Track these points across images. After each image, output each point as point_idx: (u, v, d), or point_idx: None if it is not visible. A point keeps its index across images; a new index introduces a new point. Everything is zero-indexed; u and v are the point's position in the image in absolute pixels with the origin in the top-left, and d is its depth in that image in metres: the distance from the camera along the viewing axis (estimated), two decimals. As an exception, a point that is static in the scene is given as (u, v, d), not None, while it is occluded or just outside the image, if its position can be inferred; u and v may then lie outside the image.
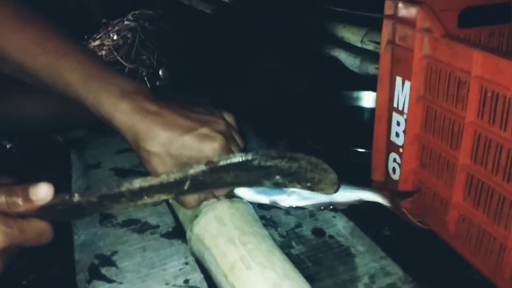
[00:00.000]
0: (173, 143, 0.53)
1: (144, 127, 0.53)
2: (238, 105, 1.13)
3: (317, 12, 1.76)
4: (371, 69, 1.47)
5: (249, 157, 0.49)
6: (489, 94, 0.54)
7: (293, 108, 1.06)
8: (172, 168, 0.53)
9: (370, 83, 1.38)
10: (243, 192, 0.60)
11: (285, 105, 1.14)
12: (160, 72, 1.36)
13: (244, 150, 0.59)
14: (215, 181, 0.49)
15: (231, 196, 0.58)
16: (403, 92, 0.68)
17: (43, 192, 0.45)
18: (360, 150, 0.83)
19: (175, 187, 0.49)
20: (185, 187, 0.49)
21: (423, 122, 0.66)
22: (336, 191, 0.57)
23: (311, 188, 0.52)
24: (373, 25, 1.58)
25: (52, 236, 0.47)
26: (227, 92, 1.29)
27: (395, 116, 0.71)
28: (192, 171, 0.49)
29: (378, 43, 1.49)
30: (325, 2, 1.76)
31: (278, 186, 0.51)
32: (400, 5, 0.65)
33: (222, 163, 0.49)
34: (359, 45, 1.57)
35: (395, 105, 0.70)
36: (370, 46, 1.54)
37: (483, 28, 0.73)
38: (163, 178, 0.49)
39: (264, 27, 1.80)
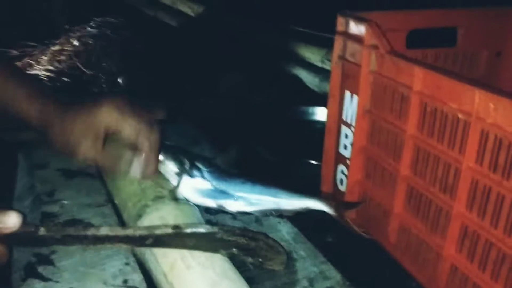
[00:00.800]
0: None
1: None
2: (196, 114, 1.14)
3: (280, 31, 1.80)
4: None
5: (215, 230, 0.51)
6: (428, 109, 0.57)
7: (250, 119, 1.08)
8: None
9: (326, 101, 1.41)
10: (189, 194, 0.60)
11: (242, 117, 1.15)
12: (119, 80, 1.34)
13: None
14: (176, 243, 0.51)
15: (176, 197, 0.58)
16: (351, 106, 0.70)
17: (11, 222, 0.46)
18: (312, 162, 0.85)
19: (138, 241, 0.50)
20: (147, 242, 0.50)
21: (369, 134, 0.68)
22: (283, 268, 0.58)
23: (261, 263, 0.53)
24: (333, 46, 1.63)
25: (6, 259, 0.46)
26: (189, 102, 1.30)
27: (344, 129, 0.73)
28: (158, 231, 0.50)
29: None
30: (288, 22, 1.81)
31: (233, 256, 0.53)
32: (351, 22, 0.68)
33: (188, 230, 0.50)
34: (319, 64, 1.61)
35: (344, 117, 0.73)
36: (329, 66, 1.59)
37: (429, 50, 0.76)
38: (129, 232, 0.50)
39: (228, 42, 1.82)
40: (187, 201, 0.59)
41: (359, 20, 0.66)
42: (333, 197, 0.75)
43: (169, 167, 0.61)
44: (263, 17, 1.90)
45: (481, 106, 0.49)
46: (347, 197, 0.73)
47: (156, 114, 0.96)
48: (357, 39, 0.67)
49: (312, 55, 1.65)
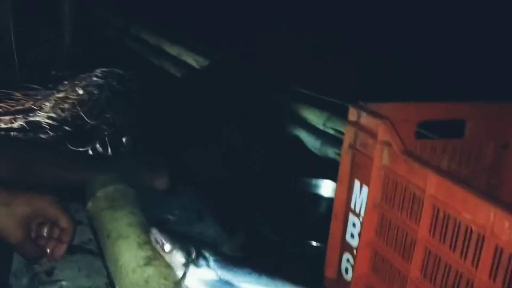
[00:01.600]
0: None
1: None
2: (197, 179, 1.13)
3: (283, 91, 1.83)
4: (330, 152, 1.52)
5: None
6: (441, 214, 0.56)
7: (251, 189, 1.07)
8: None
9: (328, 168, 1.41)
10: (195, 286, 0.59)
11: (242, 183, 1.15)
12: (124, 140, 1.35)
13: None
14: None
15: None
16: (360, 196, 0.70)
17: None
18: (316, 243, 0.84)
19: None
20: None
21: (377, 228, 0.68)
22: None
23: None
24: (335, 110, 1.65)
25: None
26: (188, 163, 1.29)
27: (351, 217, 0.72)
28: None
29: (338, 130, 1.56)
30: (292, 83, 1.84)
31: None
32: (363, 115, 0.69)
33: None
34: (321, 127, 1.63)
35: (352, 206, 0.72)
36: (331, 131, 1.60)
37: (438, 141, 0.77)
38: None
39: (231, 98, 1.84)
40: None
41: (372, 114, 0.67)
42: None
43: (176, 257, 0.59)
44: (267, 76, 1.93)
45: (496, 223, 0.49)
46: (353, 288, 0.72)
47: (159, 183, 0.96)
48: (369, 132, 0.67)
49: (315, 117, 1.67)
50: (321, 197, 1.02)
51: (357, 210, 0.71)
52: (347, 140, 0.73)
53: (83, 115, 1.63)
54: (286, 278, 0.66)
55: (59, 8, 2.30)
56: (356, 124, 0.71)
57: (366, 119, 0.69)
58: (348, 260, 0.74)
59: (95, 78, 1.78)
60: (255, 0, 2.38)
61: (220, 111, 1.75)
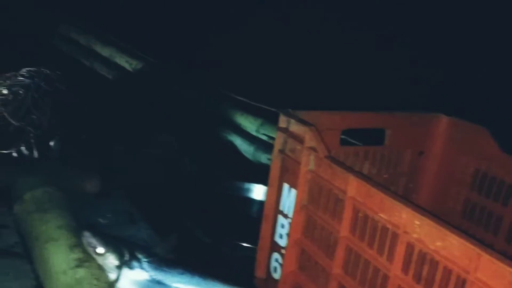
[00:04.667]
0: None
1: None
2: (129, 182, 1.13)
3: (218, 97, 1.85)
4: (263, 158, 1.56)
5: None
6: (361, 215, 0.61)
7: (183, 192, 1.08)
8: None
9: (261, 173, 1.45)
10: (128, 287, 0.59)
11: (175, 187, 1.15)
12: (51, 143, 1.30)
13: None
14: None
15: None
16: (289, 198, 0.74)
17: None
18: (246, 244, 0.87)
19: None
20: None
21: (304, 228, 0.72)
22: None
23: None
24: (268, 117, 1.70)
25: None
26: (119, 166, 1.28)
27: (280, 219, 0.76)
28: None
29: (270, 137, 1.60)
30: (226, 89, 1.86)
31: None
32: (292, 122, 0.73)
33: None
34: (254, 133, 1.67)
35: (281, 208, 0.76)
36: (264, 137, 1.64)
37: (360, 148, 0.83)
38: None
39: (165, 102, 1.83)
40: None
41: (300, 122, 0.71)
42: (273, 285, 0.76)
43: (109, 260, 0.60)
44: (202, 82, 1.95)
45: (408, 222, 0.54)
46: (280, 287, 0.75)
47: (90, 187, 0.95)
48: (297, 138, 0.71)
49: (249, 123, 1.71)
50: (252, 201, 1.05)
51: (285, 212, 0.75)
52: (277, 145, 0.77)
53: (7, 115, 1.55)
54: (217, 279, 0.68)
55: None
56: (285, 130, 0.75)
57: (294, 126, 0.73)
58: (277, 260, 0.77)
59: (20, 78, 1.70)
60: (192, 4, 2.39)
61: (152, 114, 1.74)
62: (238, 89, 1.90)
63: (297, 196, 0.71)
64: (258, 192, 1.06)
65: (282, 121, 0.75)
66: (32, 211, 0.71)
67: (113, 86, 2.04)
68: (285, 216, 0.75)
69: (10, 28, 2.33)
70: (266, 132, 1.66)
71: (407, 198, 0.56)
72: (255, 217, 0.84)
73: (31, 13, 2.59)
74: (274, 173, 0.77)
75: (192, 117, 1.77)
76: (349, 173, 0.61)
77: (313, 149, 0.68)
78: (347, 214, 0.63)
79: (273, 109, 1.77)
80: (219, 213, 0.98)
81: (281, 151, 0.75)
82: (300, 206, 0.71)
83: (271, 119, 1.69)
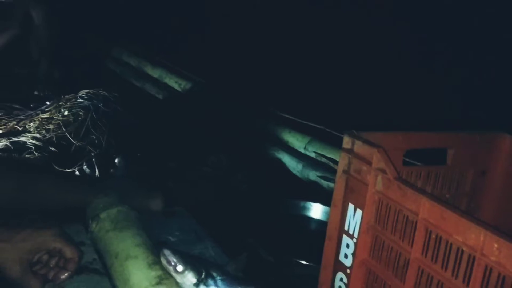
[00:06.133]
0: None
1: None
2: (189, 201, 1.16)
3: (265, 115, 1.88)
4: (312, 175, 1.57)
5: None
6: (433, 236, 0.62)
7: (240, 210, 1.11)
8: None
9: (310, 190, 1.47)
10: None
11: (230, 205, 1.18)
12: (116, 161, 1.36)
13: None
14: None
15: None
16: (354, 218, 0.75)
17: None
18: (308, 263, 0.88)
19: None
20: None
21: (371, 249, 0.73)
22: None
23: None
24: (316, 134, 1.72)
25: None
26: (176, 185, 1.32)
27: (345, 239, 0.77)
28: None
29: (320, 154, 1.62)
30: (274, 108, 1.89)
31: None
32: (358, 143, 0.74)
33: None
34: (302, 151, 1.69)
35: (346, 228, 0.77)
36: (312, 154, 1.66)
37: (423, 168, 0.83)
38: None
39: (214, 121, 1.88)
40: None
41: (367, 142, 0.73)
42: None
43: (187, 278, 0.62)
44: (249, 101, 1.99)
45: (486, 244, 0.55)
46: (347, 306, 0.76)
47: (154, 205, 0.99)
48: (364, 159, 0.73)
49: (296, 141, 1.73)
50: (311, 219, 1.06)
51: (350, 232, 0.76)
52: (341, 166, 0.78)
53: (68, 135, 1.64)
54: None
55: (34, 29, 2.30)
56: (350, 151, 0.76)
57: (360, 147, 0.74)
58: (341, 279, 0.78)
59: (80, 99, 1.79)
60: (237, 30, 2.45)
61: (202, 133, 1.79)
62: (286, 106, 1.93)
63: (364, 216, 0.72)
64: (315, 210, 1.07)
65: (346, 142, 0.77)
66: (109, 229, 0.75)
67: (163, 106, 2.11)
68: (351, 236, 0.76)
69: (72, 53, 2.45)
70: (314, 149, 1.68)
71: (483, 220, 0.57)
72: (314, 236, 0.85)
73: (88, 38, 2.73)
74: (338, 193, 0.79)
75: (240, 136, 1.80)
76: (421, 195, 0.62)
77: (381, 170, 0.69)
78: (419, 236, 0.63)
79: (320, 127, 1.79)
80: (280, 232, 1.00)
81: (346, 172, 0.77)
82: (367, 227, 0.72)
83: (319, 138, 1.71)
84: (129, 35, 2.72)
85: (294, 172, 1.65)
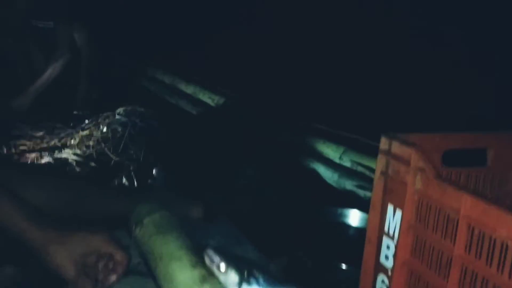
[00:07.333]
0: None
1: None
2: (227, 209, 1.18)
3: (298, 127, 1.89)
4: (348, 184, 1.57)
5: None
6: (476, 232, 0.61)
7: (278, 219, 1.12)
8: None
9: (347, 199, 1.46)
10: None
11: (268, 214, 1.19)
12: (154, 172, 1.40)
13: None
14: None
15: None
16: (394, 219, 0.75)
17: None
18: (345, 267, 0.88)
19: None
20: None
21: (412, 249, 0.72)
22: None
23: None
24: (351, 144, 1.71)
25: None
26: (213, 196, 1.34)
27: (385, 240, 0.77)
28: None
29: (355, 163, 1.62)
30: (307, 119, 1.91)
31: None
32: (395, 143, 0.75)
33: None
34: (337, 161, 1.69)
35: (385, 229, 0.77)
36: (347, 164, 1.66)
37: (462, 169, 0.83)
38: None
39: (248, 134, 1.90)
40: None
41: (404, 143, 0.73)
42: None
43: (231, 277, 0.64)
44: (282, 113, 2.01)
45: (531, 238, 0.54)
46: (389, 308, 0.75)
47: (194, 213, 1.01)
48: (402, 160, 0.73)
49: (331, 151, 1.73)
50: (348, 226, 1.06)
51: (390, 233, 0.76)
52: (379, 167, 0.79)
53: (107, 151, 1.69)
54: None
55: (76, 51, 2.39)
56: (388, 152, 0.76)
57: (398, 148, 0.74)
58: (383, 281, 0.78)
59: (118, 116, 1.86)
60: (266, 44, 2.48)
61: (236, 147, 1.81)
62: (318, 117, 1.94)
63: (404, 216, 0.72)
64: (353, 217, 1.07)
65: (384, 143, 0.77)
66: (153, 233, 0.78)
67: (198, 120, 2.15)
68: (391, 237, 0.75)
69: (109, 73, 2.54)
70: (349, 159, 1.68)
71: (527, 214, 0.56)
72: (353, 241, 0.85)
73: (123, 58, 2.82)
74: (377, 195, 0.79)
75: (275, 148, 1.82)
76: (463, 191, 0.62)
77: (420, 169, 0.69)
78: (461, 233, 0.63)
79: (354, 136, 1.79)
80: (318, 238, 1.00)
81: (384, 173, 0.77)
82: (407, 227, 0.72)
83: (353, 147, 1.71)
84: (163, 53, 2.79)
85: (330, 182, 1.65)
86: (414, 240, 0.72)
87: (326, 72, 2.19)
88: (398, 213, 0.74)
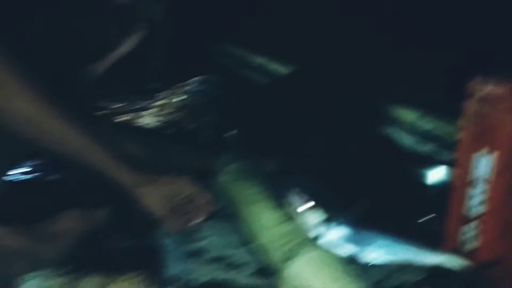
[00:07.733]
0: None
1: None
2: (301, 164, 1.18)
3: (374, 89, 1.84)
4: (426, 148, 1.51)
5: None
6: None
7: (355, 176, 1.10)
8: None
9: (425, 163, 1.41)
10: (332, 241, 0.63)
11: (344, 171, 1.18)
12: (230, 135, 1.43)
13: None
14: None
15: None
16: (484, 164, 0.71)
17: None
18: (429, 218, 0.85)
19: None
20: None
21: (505, 193, 0.69)
22: None
23: None
24: (429, 106, 1.64)
25: None
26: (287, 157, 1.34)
27: (472, 189, 0.74)
28: None
29: (432, 127, 1.55)
30: (383, 82, 1.84)
31: None
32: (489, 86, 0.70)
33: None
34: (414, 125, 1.63)
35: (473, 177, 0.73)
36: (428, 126, 1.60)
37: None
38: None
39: (319, 101, 1.88)
40: (330, 248, 0.62)
41: (497, 84, 0.69)
42: (466, 256, 0.74)
43: (312, 216, 0.64)
44: (354, 78, 1.96)
45: None
46: (478, 256, 0.72)
47: (269, 165, 1.02)
48: (495, 101, 0.69)
49: (409, 115, 1.67)
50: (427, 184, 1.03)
51: (480, 179, 0.72)
52: (468, 112, 0.75)
53: (182, 120, 1.74)
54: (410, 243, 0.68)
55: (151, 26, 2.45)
56: (477, 95, 0.72)
57: (489, 90, 0.70)
58: (468, 231, 0.75)
59: (191, 86, 1.90)
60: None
61: (308, 116, 1.80)
62: (396, 82, 1.87)
63: (498, 159, 0.69)
64: (433, 174, 1.04)
65: (473, 87, 0.73)
66: (235, 180, 0.80)
67: (267, 91, 2.15)
68: (481, 182, 0.72)
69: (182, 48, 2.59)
70: (426, 123, 1.61)
71: None
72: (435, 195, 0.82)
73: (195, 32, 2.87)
74: (466, 140, 0.75)
75: (348, 114, 1.78)
76: None
77: (513, 108, 0.65)
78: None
79: (433, 99, 1.71)
80: (398, 194, 0.98)
81: (474, 117, 0.73)
82: (500, 169, 0.69)
83: (432, 109, 1.63)
84: (233, 25, 2.81)
85: (407, 146, 1.60)
86: (508, 183, 0.68)
87: (402, 36, 2.10)
88: (489, 158, 0.70)
